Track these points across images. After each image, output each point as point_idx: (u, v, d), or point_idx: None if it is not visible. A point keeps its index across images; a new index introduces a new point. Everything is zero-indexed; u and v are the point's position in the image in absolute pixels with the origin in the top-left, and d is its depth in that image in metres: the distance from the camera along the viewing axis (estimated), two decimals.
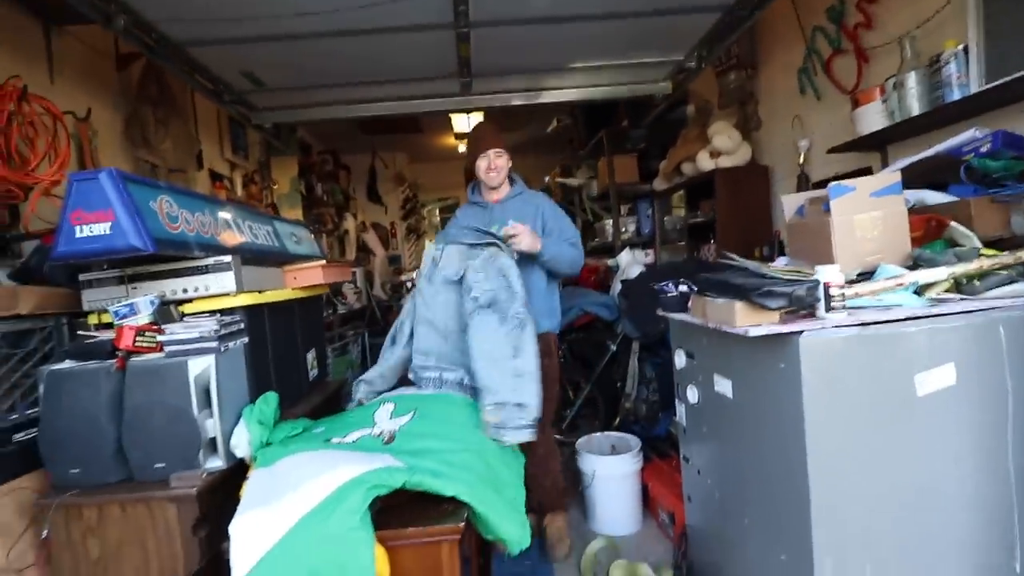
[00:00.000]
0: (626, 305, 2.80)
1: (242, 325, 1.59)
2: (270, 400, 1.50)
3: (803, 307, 1.22)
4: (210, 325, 1.44)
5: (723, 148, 3.34)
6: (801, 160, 2.92)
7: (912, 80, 2.08)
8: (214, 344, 1.40)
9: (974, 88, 1.90)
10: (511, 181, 2.25)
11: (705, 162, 3.43)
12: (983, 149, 1.72)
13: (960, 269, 1.33)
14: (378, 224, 6.89)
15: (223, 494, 1.35)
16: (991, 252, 1.40)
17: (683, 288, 2.43)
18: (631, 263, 3.57)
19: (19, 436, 1.42)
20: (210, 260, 1.58)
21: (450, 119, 5.43)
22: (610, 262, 4.06)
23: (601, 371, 3.00)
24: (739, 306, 1.23)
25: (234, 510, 1.15)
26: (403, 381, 1.94)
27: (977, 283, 1.33)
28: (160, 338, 1.42)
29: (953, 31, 2.02)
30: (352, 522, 1.02)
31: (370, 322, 4.25)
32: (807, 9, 2.81)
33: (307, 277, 2.06)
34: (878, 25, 2.42)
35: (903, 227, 1.48)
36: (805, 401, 1.16)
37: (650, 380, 2.74)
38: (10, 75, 1.98)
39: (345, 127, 5.54)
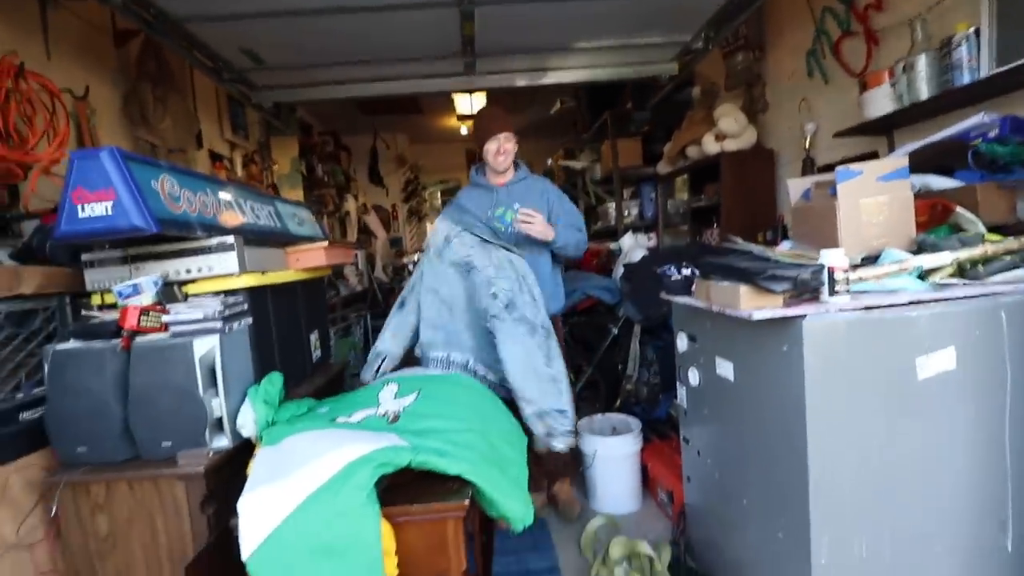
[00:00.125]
0: (628, 289, 2.80)
1: (245, 306, 1.59)
2: (275, 380, 1.51)
3: (807, 291, 1.22)
4: (214, 306, 1.44)
5: (729, 131, 3.30)
6: (807, 144, 2.89)
7: (922, 63, 2.04)
8: (218, 325, 1.41)
9: (984, 72, 1.87)
10: (515, 165, 2.27)
11: (710, 145, 3.40)
12: (991, 134, 1.70)
13: (964, 254, 1.33)
14: (379, 206, 6.86)
15: (230, 472, 1.37)
16: (996, 238, 1.40)
17: (686, 272, 2.45)
18: (633, 247, 3.57)
19: (26, 415, 1.43)
20: (213, 241, 1.58)
21: (452, 100, 5.36)
22: (612, 246, 4.05)
23: (603, 354, 3.02)
24: (743, 289, 1.23)
25: (241, 487, 1.17)
26: (407, 361, 1.95)
27: (981, 268, 1.33)
28: (164, 318, 1.42)
29: (965, 13, 1.99)
30: (359, 499, 1.04)
31: (372, 304, 4.26)
32: None
33: (310, 259, 2.05)
34: (889, 6, 2.38)
35: (909, 212, 1.47)
36: (807, 384, 1.17)
37: (651, 363, 2.75)
38: (5, 51, 1.95)
39: (346, 108, 5.48)
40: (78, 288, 1.60)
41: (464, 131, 6.97)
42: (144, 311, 1.40)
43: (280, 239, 2.00)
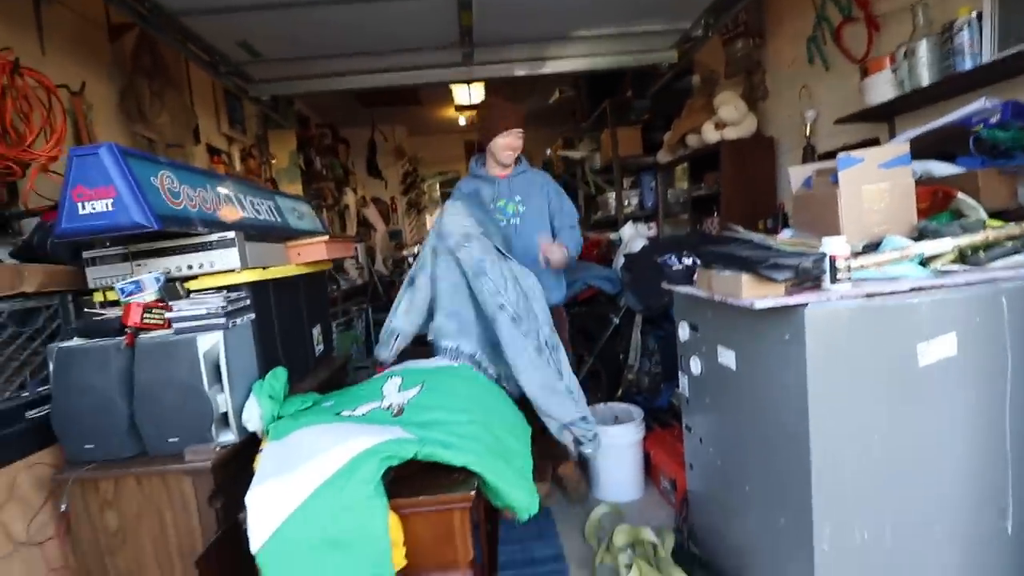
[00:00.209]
0: (629, 278, 2.81)
1: (248, 301, 1.59)
2: (279, 375, 1.52)
3: (809, 279, 1.22)
4: (217, 302, 1.44)
5: (729, 119, 3.29)
6: (807, 131, 2.88)
7: (923, 48, 2.03)
8: (222, 320, 1.41)
9: (986, 57, 1.86)
10: (517, 159, 2.29)
11: (710, 134, 3.38)
12: (992, 120, 1.70)
13: (965, 240, 1.33)
14: (378, 199, 6.84)
15: (236, 466, 1.38)
16: (997, 223, 1.40)
17: (687, 261, 2.45)
18: (634, 236, 3.56)
19: (32, 413, 1.44)
20: (214, 236, 1.58)
21: (450, 91, 5.33)
22: (613, 236, 4.04)
23: (604, 344, 3.03)
24: (745, 278, 1.23)
25: (248, 482, 1.18)
26: (414, 352, 1.96)
27: (982, 254, 1.33)
28: (167, 315, 1.43)
29: None
30: (367, 491, 1.05)
31: (372, 297, 4.27)
32: None
33: (310, 253, 2.05)
34: None
35: (910, 199, 1.47)
36: (809, 372, 1.17)
37: (652, 352, 2.76)
38: (0, 47, 1.93)
39: (343, 100, 5.44)
40: (80, 286, 1.60)
41: (463, 122, 6.93)
42: (147, 308, 1.41)
43: (281, 234, 2.00)
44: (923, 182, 1.64)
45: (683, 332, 1.73)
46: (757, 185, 3.29)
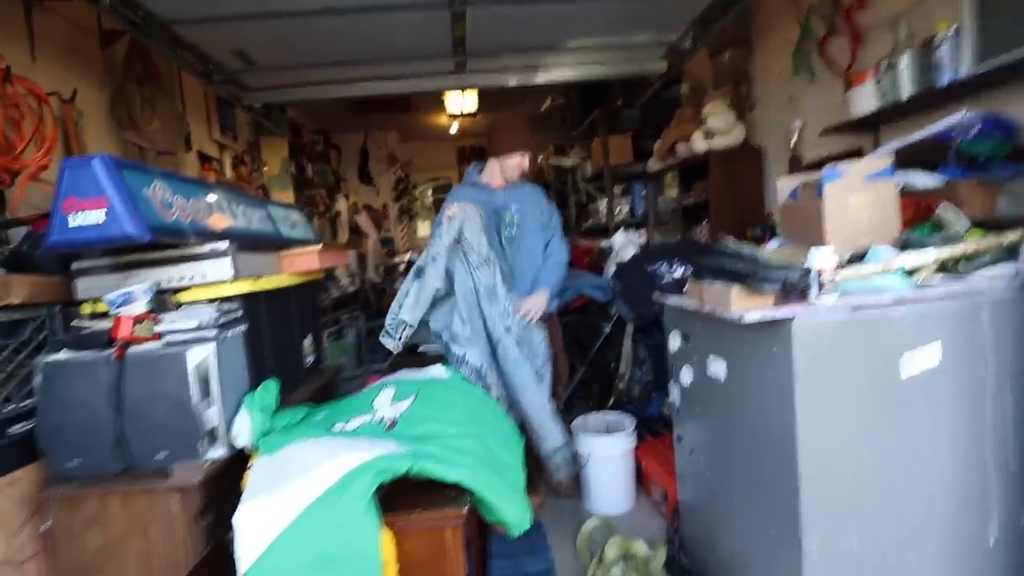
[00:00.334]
0: (620, 287, 2.82)
1: (240, 313, 1.59)
2: (270, 388, 1.51)
3: (796, 291, 1.24)
4: (209, 313, 1.44)
5: (717, 128, 3.33)
6: (794, 141, 2.92)
7: (905, 62, 2.08)
8: (213, 333, 1.41)
9: (965, 71, 1.91)
10: None
11: (699, 143, 3.42)
12: (971, 132, 1.73)
13: (947, 252, 1.35)
14: (370, 206, 6.83)
15: (225, 482, 1.37)
16: (978, 234, 1.43)
17: (677, 270, 2.47)
18: (625, 244, 3.58)
19: (16, 428, 1.41)
20: (206, 247, 1.58)
21: (443, 98, 5.35)
22: (604, 243, 4.06)
23: (595, 352, 3.04)
24: (735, 291, 1.25)
25: (236, 499, 1.17)
26: (403, 363, 1.96)
27: (963, 265, 1.36)
28: (158, 327, 1.42)
29: (947, 13, 2.02)
30: (359, 508, 1.05)
31: (364, 305, 4.26)
32: None
33: (303, 262, 2.05)
34: (872, 6, 2.41)
35: (894, 210, 1.50)
36: (796, 384, 1.19)
37: (643, 361, 2.78)
38: None
39: (336, 106, 5.44)
40: (69, 297, 1.58)
41: (455, 129, 6.95)
42: (137, 320, 1.40)
43: (273, 243, 1.99)
44: (906, 193, 1.67)
45: (674, 342, 1.75)
46: (745, 194, 3.33)
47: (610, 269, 3.24)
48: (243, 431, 1.39)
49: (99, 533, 1.32)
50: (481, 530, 1.76)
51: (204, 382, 1.38)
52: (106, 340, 1.40)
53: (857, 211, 1.46)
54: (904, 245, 1.43)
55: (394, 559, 1.09)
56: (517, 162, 2.25)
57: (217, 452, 1.39)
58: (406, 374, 1.85)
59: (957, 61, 1.93)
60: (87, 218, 1.30)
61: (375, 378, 2.03)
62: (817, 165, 2.69)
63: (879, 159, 1.56)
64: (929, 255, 1.34)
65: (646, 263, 2.69)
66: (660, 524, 2.15)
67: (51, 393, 1.33)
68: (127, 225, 1.29)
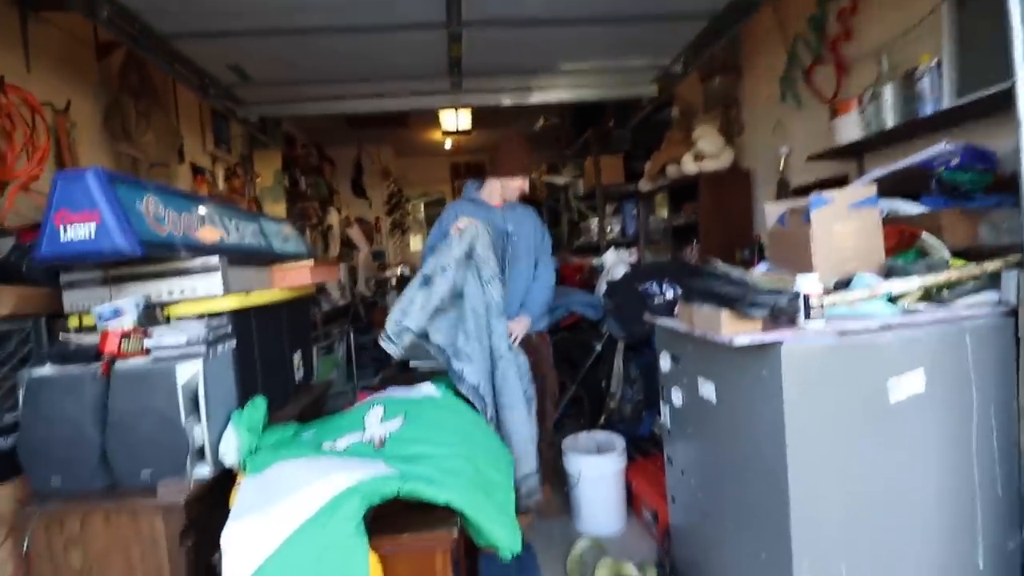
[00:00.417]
0: (611, 305, 2.84)
1: (229, 329, 1.57)
2: (258, 405, 1.49)
3: (784, 316, 1.27)
4: (198, 329, 1.42)
5: (707, 151, 3.40)
6: (781, 166, 2.99)
7: (888, 92, 2.14)
8: (202, 349, 1.39)
9: (947, 102, 1.97)
10: None
11: (689, 165, 3.48)
12: (952, 162, 1.79)
13: (931, 279, 1.39)
14: (363, 219, 6.82)
15: (211, 501, 1.34)
16: (960, 263, 1.47)
17: (668, 291, 2.49)
18: (616, 263, 3.61)
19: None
20: (197, 262, 1.57)
21: (437, 115, 5.40)
22: (595, 261, 4.10)
23: (587, 371, 3.04)
24: (724, 315, 1.27)
25: (222, 518, 1.15)
26: (393, 380, 1.96)
27: (946, 293, 1.40)
28: (146, 342, 1.40)
29: (928, 45, 2.09)
30: (348, 531, 1.04)
31: (354, 319, 4.23)
32: (789, 19, 2.87)
33: (295, 277, 2.05)
34: (857, 37, 2.49)
35: (878, 238, 1.54)
36: (785, 407, 1.21)
37: (634, 380, 2.79)
38: None
39: (330, 120, 5.47)
40: (56, 309, 1.56)
41: (449, 145, 7.01)
42: (125, 335, 1.38)
43: (265, 258, 1.99)
44: (890, 221, 1.72)
45: (664, 363, 1.76)
46: (734, 216, 3.38)
47: (601, 287, 3.27)
48: (230, 449, 1.37)
49: (80, 552, 1.29)
50: (470, 551, 1.73)
51: (192, 399, 1.36)
52: (93, 354, 1.38)
53: (842, 238, 1.50)
54: (888, 272, 1.47)
55: None
56: (518, 184, 2.31)
57: (203, 470, 1.36)
58: (396, 392, 1.83)
59: (939, 93, 2.00)
60: (78, 231, 1.29)
61: (364, 395, 2.02)
62: (804, 190, 2.75)
63: (863, 187, 1.61)
64: (914, 282, 1.37)
65: (637, 282, 2.71)
66: (651, 546, 2.14)
67: (35, 408, 1.31)
68: (118, 239, 1.28)
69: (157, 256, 1.46)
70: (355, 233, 6.18)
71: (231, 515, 1.13)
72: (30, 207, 2.02)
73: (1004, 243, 1.48)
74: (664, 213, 4.16)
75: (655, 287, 2.63)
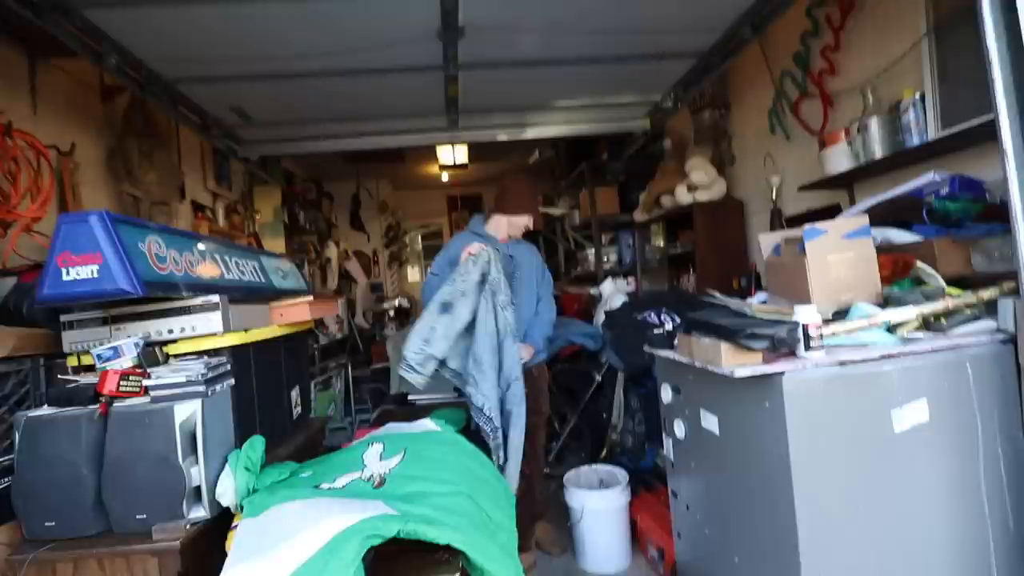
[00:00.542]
0: (610, 336, 2.84)
1: (228, 367, 1.56)
2: (256, 445, 1.47)
3: (784, 347, 1.27)
4: (197, 368, 1.41)
5: (700, 183, 3.46)
6: (773, 196, 3.05)
7: (874, 125, 2.21)
8: (201, 388, 1.38)
9: (931, 134, 2.03)
10: None
11: (683, 195, 3.54)
12: (942, 192, 1.83)
13: (928, 308, 1.40)
14: (360, 252, 6.87)
15: (207, 545, 1.31)
16: (956, 291, 1.48)
17: (666, 320, 2.50)
18: (614, 293, 3.63)
19: None
20: (197, 300, 1.57)
21: (434, 149, 5.50)
22: (593, 291, 4.12)
23: (587, 402, 3.02)
24: (724, 347, 1.28)
25: (217, 563, 1.12)
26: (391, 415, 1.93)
27: (944, 321, 1.40)
28: (145, 382, 1.39)
29: (911, 79, 2.17)
30: (347, 573, 1.01)
31: (352, 352, 4.21)
32: (775, 54, 2.98)
33: (294, 314, 2.05)
34: (841, 72, 2.58)
35: (873, 267, 1.56)
36: (790, 439, 1.20)
37: (635, 411, 2.76)
38: None
39: (329, 156, 5.57)
40: (55, 349, 1.56)
41: (445, 178, 7.12)
42: (124, 375, 1.37)
43: (264, 294, 1.99)
44: (883, 250, 1.74)
45: (666, 394, 1.75)
46: (729, 245, 3.43)
47: (599, 317, 3.27)
48: (228, 491, 1.34)
49: None
50: None
51: (190, 439, 1.34)
52: (91, 395, 1.36)
53: (838, 268, 1.52)
54: (885, 301, 1.48)
55: None
56: (525, 222, 2.38)
57: (199, 513, 1.33)
58: (395, 427, 1.81)
59: (923, 125, 2.06)
60: (81, 272, 1.30)
61: (363, 432, 1.99)
62: (797, 219, 2.80)
63: (855, 218, 1.64)
64: (912, 311, 1.38)
65: (636, 312, 2.73)
66: None
67: (30, 450, 1.28)
68: (120, 280, 1.29)
69: (158, 295, 1.46)
70: (353, 266, 6.22)
71: (228, 560, 1.10)
72: (32, 248, 2.04)
73: (998, 270, 1.50)
74: (660, 242, 4.20)
75: (654, 317, 2.65)
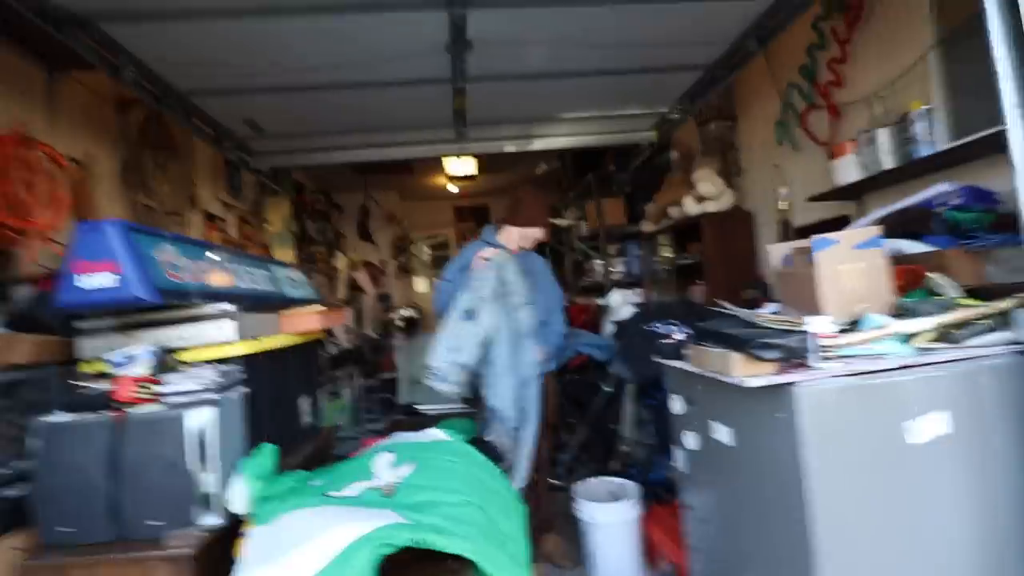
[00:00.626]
0: (619, 347, 2.83)
1: (240, 375, 1.58)
2: (267, 452, 1.47)
3: (796, 357, 1.26)
4: (209, 375, 1.43)
5: (707, 194, 3.47)
6: (782, 207, 3.04)
7: (883, 136, 2.21)
8: (213, 396, 1.39)
9: (941, 145, 2.03)
10: None
11: (691, 206, 3.55)
12: (954, 202, 1.82)
13: (943, 319, 1.39)
14: (369, 262, 6.91)
15: (219, 552, 1.31)
16: (970, 302, 1.47)
17: (675, 330, 2.49)
18: (622, 303, 3.62)
19: (8, 492, 1.37)
20: (209, 308, 1.59)
21: (441, 160, 5.56)
22: (601, 301, 4.11)
23: (596, 413, 3.00)
24: (735, 357, 1.27)
25: (229, 570, 1.12)
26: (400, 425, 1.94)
27: (959, 332, 1.39)
28: (158, 389, 1.40)
29: (919, 90, 2.17)
30: None
31: (360, 361, 4.21)
32: (781, 67, 3.00)
33: (304, 323, 2.06)
34: (848, 83, 2.59)
35: (885, 278, 1.55)
36: (804, 451, 1.18)
37: (645, 422, 2.74)
38: (11, 119, 2.00)
39: (338, 167, 5.63)
40: (70, 356, 1.57)
41: (452, 189, 7.18)
42: (138, 382, 1.38)
43: (275, 303, 2.01)
44: (895, 260, 1.73)
45: (676, 405, 1.74)
46: (737, 255, 3.42)
47: (608, 328, 3.26)
48: (239, 498, 1.35)
49: None
50: None
51: (202, 446, 1.35)
52: (105, 401, 1.38)
53: (850, 279, 1.51)
54: (898, 312, 1.47)
55: None
56: (536, 234, 2.40)
57: (211, 520, 1.34)
58: (404, 437, 1.81)
59: (932, 135, 2.06)
60: (97, 280, 1.32)
61: (371, 441, 1.99)
62: (807, 230, 2.79)
63: (865, 229, 1.63)
64: (928, 322, 1.36)
65: (644, 323, 2.72)
66: None
67: (47, 456, 1.30)
68: (136, 288, 1.31)
69: (171, 303, 1.48)
70: (361, 277, 6.25)
71: (240, 567, 1.10)
72: (48, 256, 2.07)
73: (1012, 281, 1.49)
74: (668, 252, 4.20)
75: (663, 327, 2.64)
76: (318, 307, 2.19)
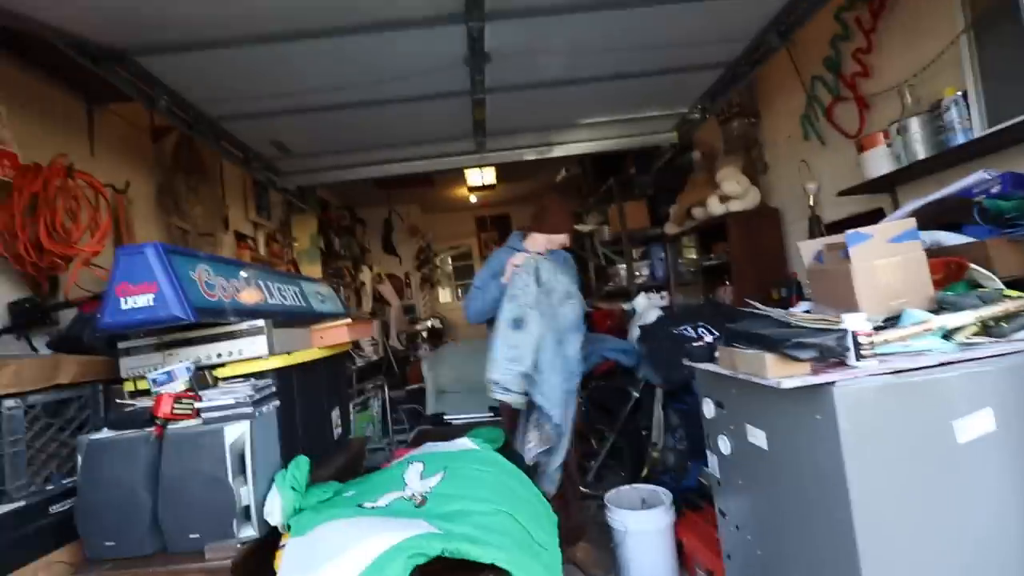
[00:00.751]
0: (646, 351, 2.79)
1: (274, 388, 1.61)
2: (301, 464, 1.50)
3: (833, 356, 1.22)
4: (245, 390, 1.47)
5: (732, 193, 3.41)
6: (811, 202, 2.97)
7: (915, 125, 2.14)
8: (249, 410, 1.43)
9: (977, 132, 1.95)
10: None
11: (715, 206, 3.49)
12: (994, 190, 1.75)
13: (986, 312, 1.33)
14: (393, 275, 7.01)
15: (256, 563, 1.34)
16: (1015, 293, 1.40)
17: (704, 333, 2.45)
18: (648, 307, 3.57)
19: (55, 507, 1.43)
20: (243, 325, 1.63)
21: (463, 173, 5.61)
22: (626, 306, 4.06)
23: (625, 419, 2.96)
24: (769, 358, 1.24)
25: None
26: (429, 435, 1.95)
27: (1004, 325, 1.33)
28: (197, 405, 1.45)
29: (950, 78, 2.10)
30: None
31: (388, 373, 4.26)
32: (804, 60, 2.93)
33: (333, 336, 2.10)
34: (875, 74, 2.52)
35: (924, 271, 1.49)
36: (845, 453, 1.14)
37: (676, 427, 2.69)
38: (56, 151, 2.11)
39: (361, 183, 5.72)
40: (112, 375, 1.64)
41: (474, 200, 7.24)
42: (178, 398, 1.43)
43: (305, 318, 2.05)
44: (933, 253, 1.66)
45: (708, 409, 1.70)
46: (766, 254, 3.34)
47: (634, 332, 3.22)
48: (275, 510, 1.37)
49: None
50: None
51: (239, 459, 1.39)
52: (147, 418, 1.43)
53: (886, 273, 1.46)
54: (939, 306, 1.41)
55: None
56: (561, 240, 2.43)
57: (249, 532, 1.37)
58: (433, 447, 1.82)
59: (968, 123, 1.99)
60: (138, 301, 1.38)
61: (402, 452, 2.00)
62: (837, 225, 2.72)
63: (901, 221, 1.57)
64: (969, 316, 1.31)
65: (671, 326, 2.68)
66: None
67: (92, 472, 1.35)
68: (175, 307, 1.36)
69: (207, 321, 1.53)
70: (386, 289, 6.34)
71: None
72: (91, 280, 2.17)
73: None
74: (693, 254, 4.14)
75: (691, 331, 2.59)
76: (347, 320, 2.23)
